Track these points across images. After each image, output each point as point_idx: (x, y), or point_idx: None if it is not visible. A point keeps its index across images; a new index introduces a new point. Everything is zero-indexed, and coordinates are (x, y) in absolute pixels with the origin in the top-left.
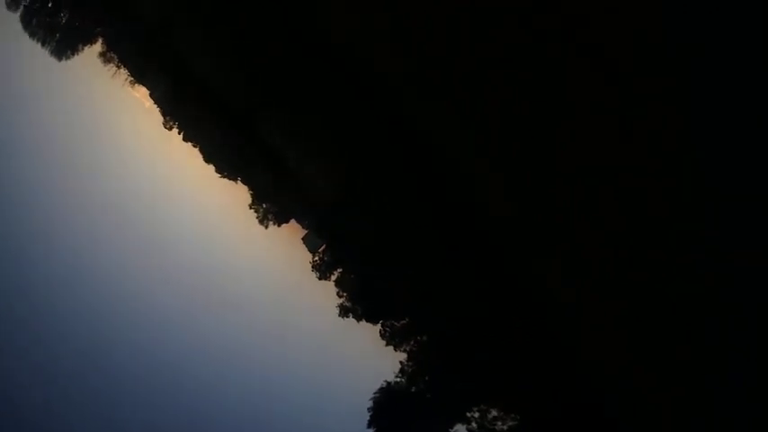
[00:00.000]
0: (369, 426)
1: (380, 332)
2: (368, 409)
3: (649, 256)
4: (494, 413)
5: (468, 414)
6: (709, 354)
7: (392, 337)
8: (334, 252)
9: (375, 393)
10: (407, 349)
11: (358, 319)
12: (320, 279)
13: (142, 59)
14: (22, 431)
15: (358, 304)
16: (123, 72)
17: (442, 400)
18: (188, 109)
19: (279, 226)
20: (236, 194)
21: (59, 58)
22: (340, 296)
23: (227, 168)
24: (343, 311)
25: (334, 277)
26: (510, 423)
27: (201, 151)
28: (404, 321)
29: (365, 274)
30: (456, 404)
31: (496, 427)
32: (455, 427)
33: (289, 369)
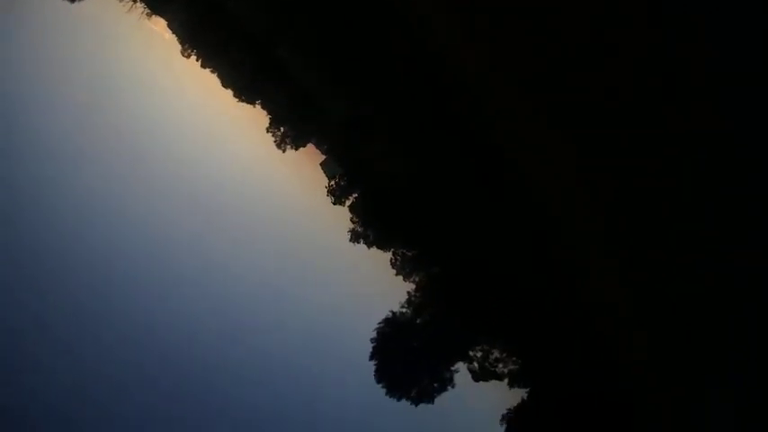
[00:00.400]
0: (371, 358)
1: (391, 261)
2: (371, 339)
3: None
4: (495, 354)
5: (471, 353)
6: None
7: (402, 267)
8: (350, 177)
9: (379, 323)
10: (416, 280)
11: (369, 245)
12: (334, 204)
13: None
14: None
15: (370, 229)
16: (139, 5)
17: (446, 335)
18: (206, 35)
19: (296, 149)
20: (256, 119)
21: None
22: (353, 222)
23: (245, 92)
24: (355, 236)
25: (348, 203)
26: (511, 366)
27: (219, 76)
28: (415, 252)
29: (380, 200)
30: (459, 341)
31: (497, 369)
32: (456, 365)
33: (295, 293)
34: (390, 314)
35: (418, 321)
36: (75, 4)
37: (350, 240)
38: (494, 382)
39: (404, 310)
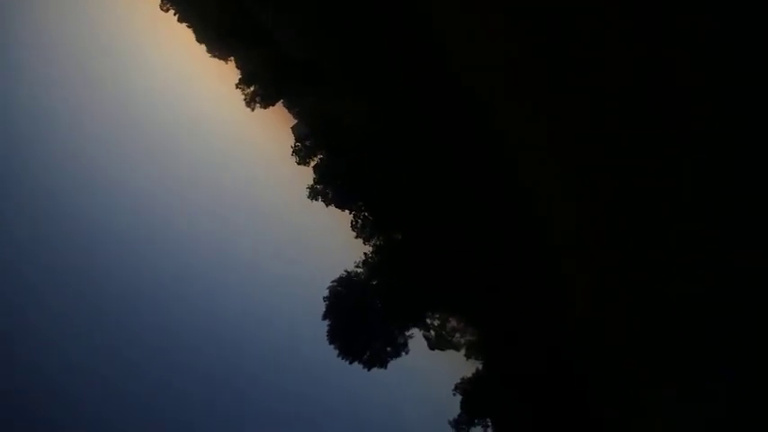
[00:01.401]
0: (324, 317)
1: (351, 223)
2: (323, 298)
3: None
4: (453, 323)
5: (429, 321)
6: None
7: (362, 229)
8: (317, 139)
9: (333, 282)
10: (376, 244)
11: (327, 202)
12: (298, 164)
13: None
14: None
15: (329, 188)
16: None
17: (401, 299)
18: None
19: (265, 108)
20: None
21: None
22: (316, 182)
23: (218, 48)
24: (313, 193)
25: (312, 163)
26: (469, 337)
27: (194, 31)
28: (376, 215)
29: (343, 161)
30: (416, 306)
31: (454, 338)
32: (411, 331)
33: (254, 249)
34: (345, 273)
35: (374, 283)
36: None
37: (308, 197)
38: (448, 352)
39: (359, 270)
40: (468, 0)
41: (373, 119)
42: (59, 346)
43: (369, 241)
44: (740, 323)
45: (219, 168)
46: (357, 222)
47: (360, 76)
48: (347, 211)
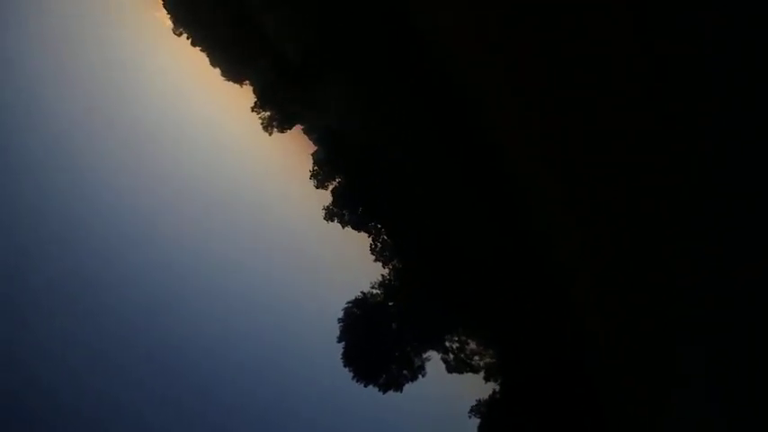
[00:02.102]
0: (339, 340)
1: (371, 246)
2: (338, 320)
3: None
4: (472, 346)
5: (447, 343)
6: None
7: (381, 253)
8: (335, 163)
9: (348, 303)
10: (394, 265)
11: (343, 224)
12: (317, 188)
13: None
14: None
15: (345, 210)
16: None
17: (419, 321)
18: (197, 13)
19: (282, 131)
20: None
21: None
22: (333, 204)
23: (232, 71)
24: (329, 215)
25: (330, 187)
26: (487, 360)
27: (208, 55)
28: (395, 238)
29: (359, 185)
30: (433, 328)
31: (473, 361)
32: (428, 354)
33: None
34: (361, 295)
35: (391, 305)
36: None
37: (324, 218)
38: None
39: (375, 291)
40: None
41: (389, 139)
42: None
43: (387, 264)
44: (739, 337)
45: (236, 189)
46: (376, 246)
47: (372, 97)
48: (365, 234)
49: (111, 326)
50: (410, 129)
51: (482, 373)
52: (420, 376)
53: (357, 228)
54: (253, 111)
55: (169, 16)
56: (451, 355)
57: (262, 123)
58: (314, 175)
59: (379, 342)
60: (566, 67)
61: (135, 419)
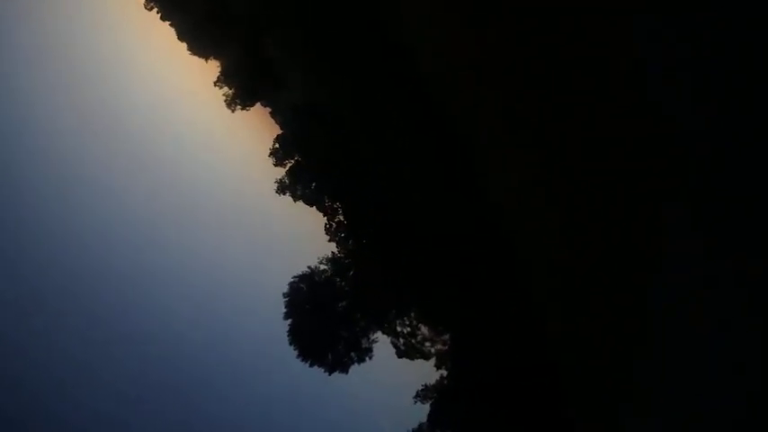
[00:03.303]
0: (285, 317)
1: (325, 226)
2: (283, 294)
3: None
4: (424, 331)
5: (399, 328)
6: None
7: (336, 233)
8: (293, 141)
9: (294, 278)
10: (347, 245)
11: (295, 198)
12: (275, 165)
13: None
14: None
15: (298, 184)
16: None
17: (368, 301)
18: None
19: (244, 108)
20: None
21: None
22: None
23: (198, 46)
24: (281, 188)
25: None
26: (439, 347)
27: (176, 28)
28: (350, 218)
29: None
30: (383, 310)
31: (424, 348)
32: (376, 335)
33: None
34: (307, 269)
35: (339, 282)
36: None
37: (276, 191)
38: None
39: (323, 266)
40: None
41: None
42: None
43: (341, 245)
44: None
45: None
46: (331, 226)
47: (337, 75)
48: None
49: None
50: (376, 111)
51: (433, 360)
52: (367, 359)
53: (310, 203)
54: (215, 85)
55: None
56: (402, 340)
57: (225, 100)
58: (273, 153)
59: (325, 321)
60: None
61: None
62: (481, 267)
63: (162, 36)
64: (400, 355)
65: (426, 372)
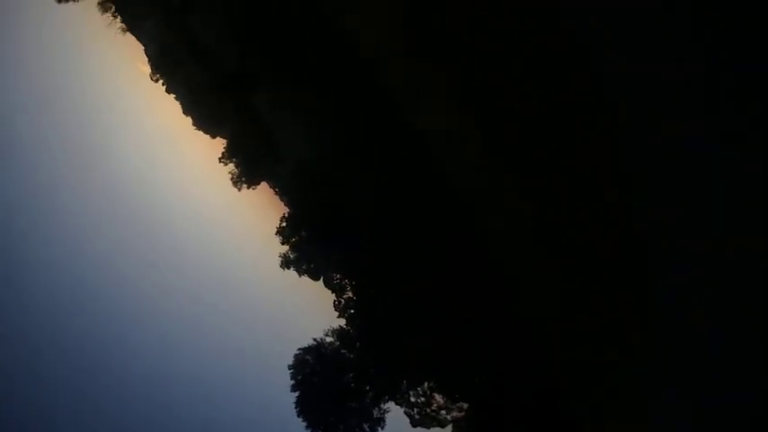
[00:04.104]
0: (293, 389)
1: (334, 303)
2: (288, 366)
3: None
4: (438, 400)
5: (413, 398)
6: None
7: (344, 310)
8: (299, 218)
9: (299, 350)
10: (355, 319)
11: (300, 273)
12: (282, 244)
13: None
14: None
15: (303, 261)
16: (118, 21)
17: (379, 372)
18: (177, 64)
19: (249, 188)
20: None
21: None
22: (290, 254)
23: (203, 122)
24: (285, 263)
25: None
26: (455, 413)
27: (181, 103)
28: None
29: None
30: (391, 379)
31: (439, 416)
32: (388, 405)
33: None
34: (313, 342)
35: (351, 357)
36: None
37: (280, 266)
38: None
39: (329, 339)
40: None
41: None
42: None
43: (351, 321)
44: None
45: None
46: (340, 302)
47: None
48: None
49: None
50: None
51: (450, 428)
52: (379, 428)
53: (315, 278)
54: (220, 162)
55: (149, 63)
56: (416, 410)
57: (231, 179)
58: (279, 232)
59: (334, 392)
60: None
61: None
62: (493, 333)
63: (171, 106)
64: (415, 424)
65: None
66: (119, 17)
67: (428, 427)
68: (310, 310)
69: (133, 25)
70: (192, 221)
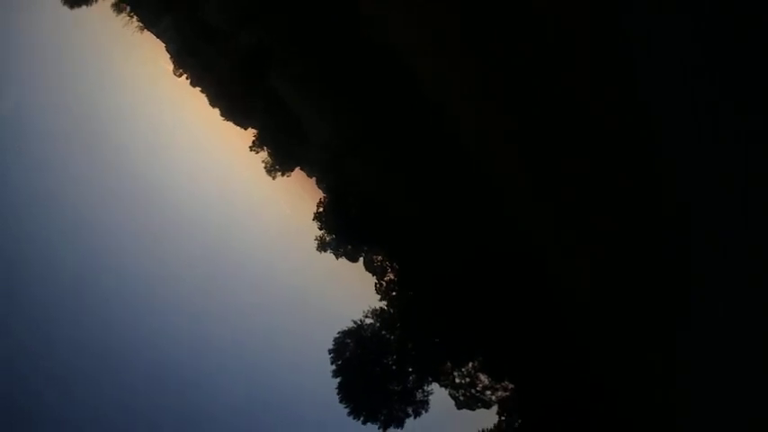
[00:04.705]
0: (334, 375)
1: (376, 286)
2: (329, 351)
3: None
4: (484, 381)
5: (457, 380)
6: None
7: (386, 292)
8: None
9: (339, 333)
10: (392, 296)
11: (337, 255)
12: (320, 229)
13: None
14: None
15: (341, 242)
16: (134, 21)
17: (421, 353)
18: (198, 56)
19: (283, 175)
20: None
21: (71, 6)
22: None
23: (232, 112)
24: (321, 245)
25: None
26: (500, 393)
27: (207, 96)
28: (393, 275)
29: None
30: (432, 360)
31: (485, 396)
32: (431, 387)
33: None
34: (353, 324)
35: (391, 338)
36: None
37: (317, 249)
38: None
39: (369, 320)
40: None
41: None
42: None
43: (393, 303)
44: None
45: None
46: (381, 285)
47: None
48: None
49: None
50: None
51: (495, 409)
52: (423, 411)
53: (353, 260)
54: (251, 150)
55: (170, 58)
56: (461, 391)
57: (265, 168)
58: (317, 218)
59: (376, 375)
60: None
61: None
62: (533, 311)
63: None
64: (460, 406)
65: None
66: (134, 16)
67: (473, 409)
68: (349, 296)
69: (150, 23)
70: (229, 215)
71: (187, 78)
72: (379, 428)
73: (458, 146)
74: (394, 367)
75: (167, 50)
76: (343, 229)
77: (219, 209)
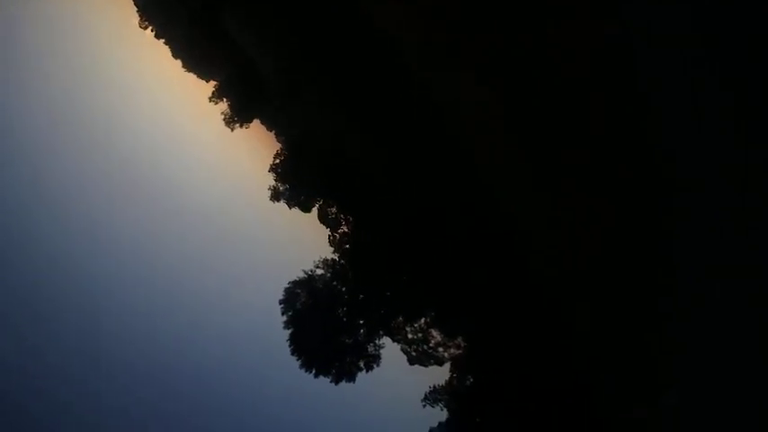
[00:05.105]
0: (285, 326)
1: (329, 237)
2: (279, 301)
3: None
4: (437, 337)
5: (410, 335)
6: None
7: (340, 244)
8: (291, 150)
9: (289, 283)
10: (346, 251)
11: (290, 205)
12: (276, 181)
13: None
14: None
15: (293, 189)
16: None
17: (373, 306)
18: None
19: (242, 126)
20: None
21: None
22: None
23: (192, 63)
24: (275, 195)
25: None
26: (453, 351)
27: (170, 47)
28: (347, 227)
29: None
30: (385, 313)
31: (437, 353)
32: (382, 341)
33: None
34: (304, 274)
35: (343, 290)
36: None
37: (270, 198)
38: None
39: (321, 271)
40: None
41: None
42: None
43: (346, 256)
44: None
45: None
46: (335, 237)
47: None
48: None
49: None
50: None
51: (447, 365)
52: (375, 366)
53: (306, 210)
54: (210, 101)
55: (136, 10)
56: (413, 347)
57: (224, 119)
58: (273, 169)
59: (328, 328)
60: None
61: None
62: (492, 267)
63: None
64: (412, 362)
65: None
66: None
67: (426, 365)
68: (301, 247)
69: None
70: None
71: (152, 30)
72: (330, 381)
73: (424, 98)
74: (345, 319)
75: (135, 3)
76: (297, 177)
77: (183, 168)
